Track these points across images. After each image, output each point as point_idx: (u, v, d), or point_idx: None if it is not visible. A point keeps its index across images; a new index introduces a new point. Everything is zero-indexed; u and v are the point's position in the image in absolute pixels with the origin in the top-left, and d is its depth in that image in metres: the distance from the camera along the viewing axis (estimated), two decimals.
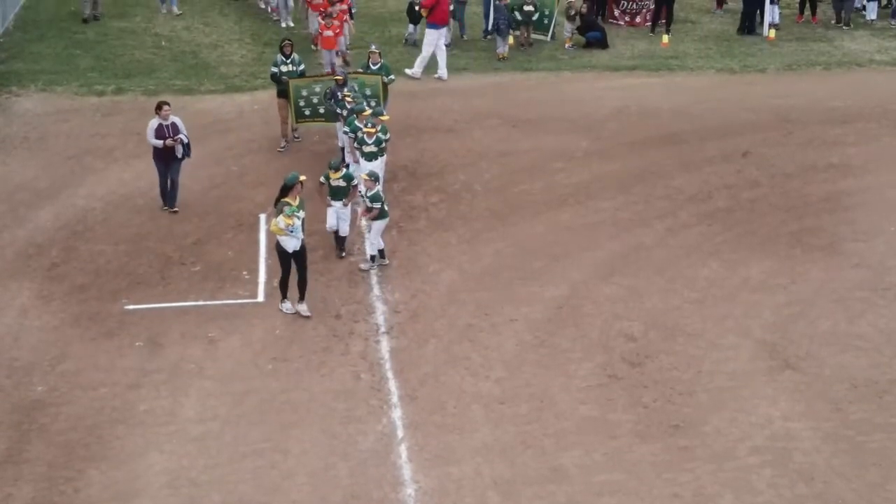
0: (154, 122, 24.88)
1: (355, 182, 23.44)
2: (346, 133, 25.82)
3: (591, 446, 18.74)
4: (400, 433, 18.96)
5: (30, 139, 28.98)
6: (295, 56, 28.11)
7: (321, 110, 27.76)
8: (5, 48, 34.39)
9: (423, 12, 33.66)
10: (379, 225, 23.24)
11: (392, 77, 28.52)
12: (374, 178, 23.04)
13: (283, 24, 36.20)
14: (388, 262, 23.58)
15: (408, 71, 32.84)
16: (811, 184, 27.45)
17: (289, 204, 21.25)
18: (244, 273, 23.38)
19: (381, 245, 23.50)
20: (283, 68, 27.86)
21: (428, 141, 29.24)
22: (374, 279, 23.03)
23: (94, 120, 30.16)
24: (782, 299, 22.80)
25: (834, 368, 20.73)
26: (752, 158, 28.66)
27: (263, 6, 38.07)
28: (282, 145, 28.34)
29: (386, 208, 23.26)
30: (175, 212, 25.34)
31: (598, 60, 35.20)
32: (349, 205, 23.53)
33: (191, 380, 20.29)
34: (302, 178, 21.53)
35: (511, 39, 35.41)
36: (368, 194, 22.86)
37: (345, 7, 33.13)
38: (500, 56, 34.97)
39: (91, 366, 20.57)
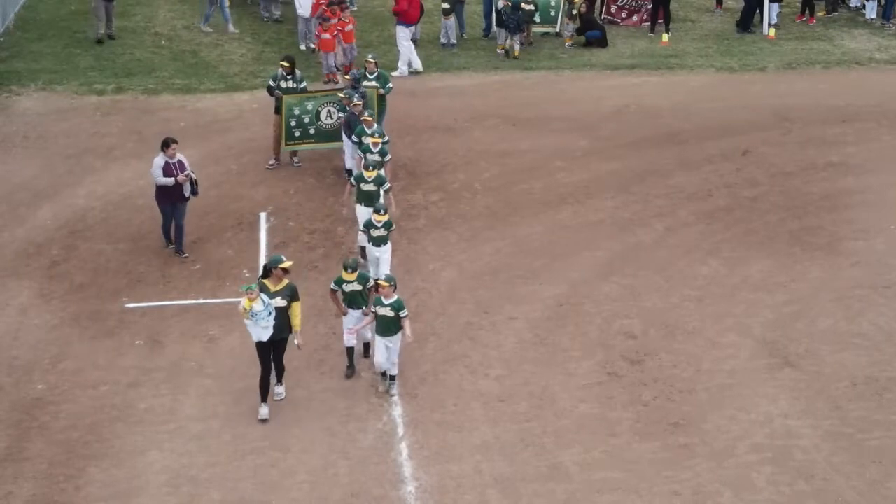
0: (160, 160, 23.40)
1: (371, 284, 19.94)
2: (353, 141, 25.54)
3: (591, 444, 18.76)
4: (400, 431, 19.00)
5: (30, 138, 28.99)
6: (297, 73, 27.36)
7: (311, 131, 27.15)
8: (5, 47, 34.37)
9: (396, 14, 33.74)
10: (396, 342, 19.73)
11: (390, 86, 27.85)
12: (392, 282, 19.57)
13: (303, 47, 35.17)
14: (395, 393, 19.93)
15: (394, 73, 32.67)
16: (811, 182, 27.46)
17: (264, 284, 18.94)
18: (244, 271, 23.39)
19: (395, 370, 19.98)
20: (283, 84, 27.05)
21: (428, 140, 29.25)
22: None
23: (93, 119, 30.18)
24: (782, 298, 22.82)
25: (834, 366, 20.76)
26: (751, 157, 28.66)
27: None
28: (270, 162, 27.53)
29: (405, 324, 19.54)
30: (186, 257, 23.86)
31: (598, 59, 35.19)
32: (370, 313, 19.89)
33: (191, 378, 20.33)
34: (286, 263, 19.13)
35: (507, 42, 35.39)
36: (387, 302, 19.40)
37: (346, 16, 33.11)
38: (501, 47, 34.98)
39: (91, 364, 20.61)
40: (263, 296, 18.58)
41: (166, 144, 23.44)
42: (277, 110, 27.14)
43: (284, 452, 18.47)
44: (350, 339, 20.20)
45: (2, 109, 30.64)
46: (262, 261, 23.63)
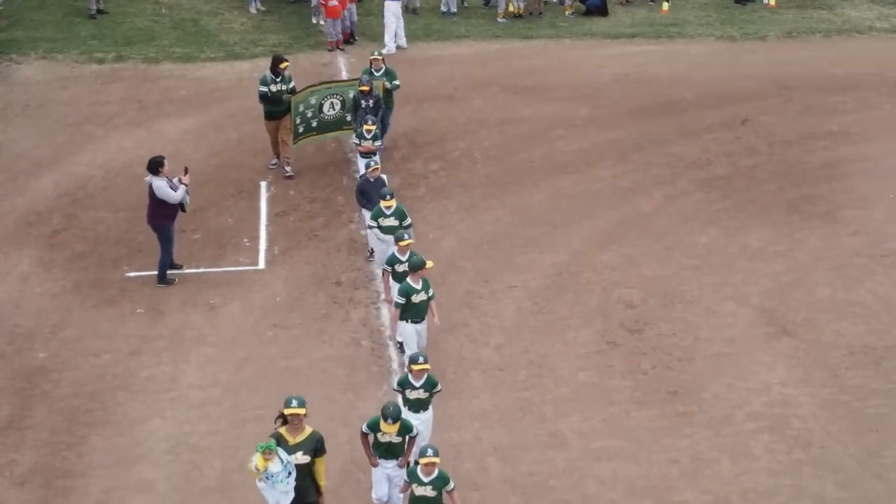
0: (161, 181, 21.44)
1: (414, 433, 16.33)
2: (356, 143, 24.54)
3: (590, 412, 18.86)
4: (400, 400, 19.02)
5: (30, 107, 29.00)
6: (285, 73, 25.46)
7: (314, 123, 25.96)
8: (6, 16, 34.33)
9: None
10: None
11: (397, 83, 26.43)
12: (436, 452, 15.37)
13: (314, 21, 34.99)
14: None
15: (382, 51, 32.41)
16: (810, 151, 27.48)
17: (280, 435, 15.17)
18: (245, 240, 23.46)
19: None
20: (273, 87, 25.31)
21: (428, 109, 29.25)
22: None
23: (94, 88, 30.17)
24: (780, 266, 22.88)
25: (831, 335, 20.84)
26: (751, 126, 28.67)
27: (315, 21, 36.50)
28: (273, 162, 26.19)
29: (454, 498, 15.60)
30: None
31: (598, 28, 35.17)
32: (405, 466, 16.23)
33: (192, 346, 20.41)
34: (294, 408, 15.13)
35: (511, 6, 35.39)
36: (427, 480, 15.30)
37: None
38: (502, 14, 34.98)
39: (92, 332, 20.69)
40: (281, 452, 14.90)
41: (160, 164, 21.59)
42: (269, 115, 25.64)
43: None
44: (381, 496, 16.59)
45: (2, 78, 30.63)
46: (263, 230, 23.77)
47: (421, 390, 16.95)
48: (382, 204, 21.05)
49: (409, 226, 21.14)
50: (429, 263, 18.95)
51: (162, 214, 21.86)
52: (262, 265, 22.76)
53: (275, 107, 25.46)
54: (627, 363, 20.07)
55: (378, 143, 24.04)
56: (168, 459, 17.83)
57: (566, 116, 29.06)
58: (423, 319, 19.09)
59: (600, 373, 19.84)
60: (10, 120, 28.38)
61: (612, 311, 21.48)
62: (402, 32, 33.13)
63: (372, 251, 22.64)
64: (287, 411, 15.07)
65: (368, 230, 22.14)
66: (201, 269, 22.60)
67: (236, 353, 20.22)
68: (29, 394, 19.14)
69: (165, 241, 22.07)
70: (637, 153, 27.24)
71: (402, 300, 18.80)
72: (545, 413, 18.89)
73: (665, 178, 26.17)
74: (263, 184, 25.44)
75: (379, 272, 21.79)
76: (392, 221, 21.03)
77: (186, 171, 22.04)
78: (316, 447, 15.26)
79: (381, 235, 21.27)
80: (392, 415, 15.74)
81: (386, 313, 20.96)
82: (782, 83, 31.12)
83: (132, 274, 22.32)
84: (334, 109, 26.03)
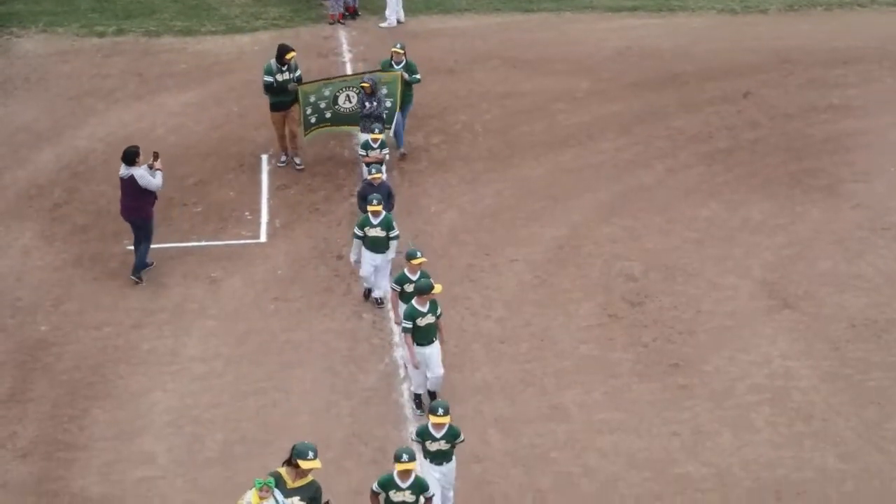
0: (143, 171, 20.96)
1: (430, 493, 15.12)
2: (360, 153, 23.61)
3: (591, 385, 18.90)
4: (401, 372, 19.11)
5: (31, 80, 28.94)
6: (291, 62, 24.62)
7: (328, 115, 25.15)
8: None
9: None
10: None
11: (417, 77, 25.72)
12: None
13: None
14: None
15: (382, 25, 32.32)
16: (812, 125, 27.42)
17: (280, 476, 14.26)
18: (246, 213, 23.46)
19: None
20: (280, 77, 24.44)
21: (429, 82, 29.01)
22: None
23: (94, 61, 30.09)
24: (782, 239, 22.89)
25: (833, 308, 20.86)
26: (752, 99, 28.60)
27: None
28: (282, 159, 25.31)
29: None
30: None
31: (599, 1, 34.98)
32: None
33: (193, 320, 20.44)
34: (309, 462, 14.12)
35: None
36: None
37: None
38: None
39: (94, 305, 20.72)
40: (277, 494, 13.99)
41: (137, 154, 20.99)
42: (275, 106, 24.85)
43: (287, 393, 18.62)
44: None
45: (3, 51, 30.56)
46: (264, 203, 23.75)
47: (442, 441, 15.78)
48: (369, 209, 20.02)
49: (395, 237, 20.28)
50: (437, 288, 17.86)
51: (144, 205, 21.33)
52: (263, 238, 22.77)
53: (281, 97, 24.70)
54: (629, 336, 20.10)
55: (385, 151, 23.14)
56: (170, 432, 17.88)
57: (567, 89, 28.99)
58: (431, 342, 18.05)
59: (602, 345, 19.87)
60: (10, 93, 28.34)
61: (613, 284, 21.50)
62: (400, 7, 33.01)
63: (369, 291, 20.95)
64: (304, 465, 14.11)
65: (355, 240, 20.51)
66: (203, 243, 22.62)
67: (238, 326, 20.26)
68: (31, 367, 19.19)
69: (148, 231, 21.61)
70: (638, 126, 27.20)
71: (409, 324, 17.80)
72: (546, 385, 18.94)
73: (666, 151, 26.14)
74: (265, 157, 25.42)
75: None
76: (378, 232, 20.05)
77: (157, 157, 21.44)
78: (313, 496, 14.36)
79: (369, 256, 20.32)
80: (408, 452, 14.69)
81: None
82: (783, 56, 31.03)
83: (133, 247, 22.30)
84: (350, 102, 25.13)
